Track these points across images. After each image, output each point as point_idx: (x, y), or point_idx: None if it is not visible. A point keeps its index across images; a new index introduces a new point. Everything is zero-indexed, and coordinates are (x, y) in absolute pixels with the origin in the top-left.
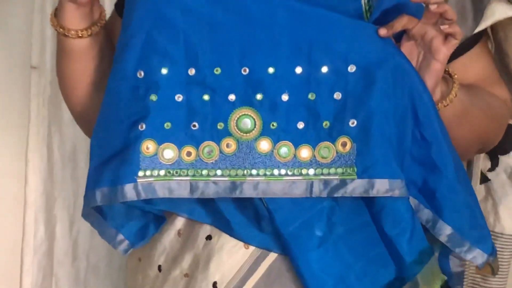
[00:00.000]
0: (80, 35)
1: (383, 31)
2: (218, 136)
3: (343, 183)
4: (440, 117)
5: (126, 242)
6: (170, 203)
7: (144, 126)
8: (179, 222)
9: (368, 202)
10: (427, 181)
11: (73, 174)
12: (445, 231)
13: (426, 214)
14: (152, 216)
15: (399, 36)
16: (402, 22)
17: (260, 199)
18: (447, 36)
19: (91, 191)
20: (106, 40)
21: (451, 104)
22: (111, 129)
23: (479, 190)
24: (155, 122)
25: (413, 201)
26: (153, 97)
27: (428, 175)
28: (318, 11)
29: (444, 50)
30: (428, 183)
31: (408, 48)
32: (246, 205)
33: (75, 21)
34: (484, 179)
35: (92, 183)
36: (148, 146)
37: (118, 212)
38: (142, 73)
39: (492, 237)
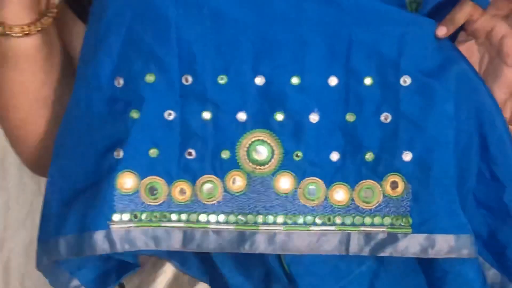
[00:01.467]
0: (27, 31)
1: (442, 31)
2: (222, 169)
3: (392, 239)
4: None
5: None
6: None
7: (121, 153)
8: (160, 284)
9: (425, 264)
10: (495, 232)
11: (2, 183)
12: None
13: (492, 275)
14: (114, 262)
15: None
16: (465, 12)
17: (278, 256)
18: None
19: (53, 239)
20: (56, 37)
21: None
22: (78, 155)
23: None
24: (137, 148)
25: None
26: (135, 114)
27: (497, 225)
28: (359, 1)
29: None
30: (497, 236)
31: (465, 50)
32: (253, 262)
33: (19, 14)
34: None
35: (54, 228)
36: (127, 181)
37: None
38: (121, 81)
39: None
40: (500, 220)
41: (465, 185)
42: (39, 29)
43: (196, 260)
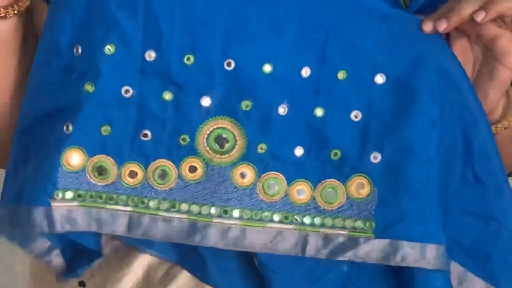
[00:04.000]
0: (3, 14)
1: (428, 26)
2: (178, 154)
3: (353, 243)
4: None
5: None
6: None
7: (70, 127)
8: (127, 284)
9: (396, 267)
10: (479, 238)
11: None
12: None
13: (476, 285)
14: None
15: None
16: (462, 14)
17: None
18: None
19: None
20: (31, 21)
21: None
22: (30, 120)
23: None
24: (88, 123)
25: (457, 269)
26: (89, 87)
27: (481, 230)
28: None
29: None
30: (481, 241)
31: (459, 47)
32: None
33: None
34: None
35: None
36: (73, 158)
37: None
38: (80, 50)
39: None
40: (484, 223)
41: (448, 189)
42: (16, 12)
43: (177, 247)
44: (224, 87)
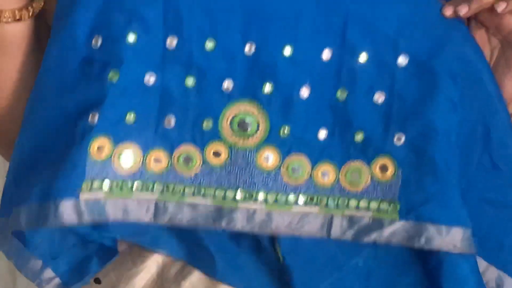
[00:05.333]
0: (18, 17)
1: (449, 10)
2: (202, 139)
3: (377, 224)
4: None
5: (57, 281)
6: (131, 228)
7: (96, 117)
8: (141, 281)
9: (422, 253)
10: (493, 226)
11: None
12: None
13: (489, 273)
14: (95, 246)
15: None
16: (483, 1)
17: (271, 239)
18: None
19: (16, 209)
20: (46, 22)
21: None
22: (48, 120)
23: None
24: (113, 112)
25: None
26: (113, 76)
27: (494, 218)
28: None
29: None
30: (494, 229)
31: (477, 38)
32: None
33: None
34: None
35: (16, 197)
36: (100, 147)
37: (46, 236)
38: (100, 41)
39: None
40: (499, 211)
41: (466, 175)
42: (31, 14)
43: (184, 245)
44: (245, 70)
